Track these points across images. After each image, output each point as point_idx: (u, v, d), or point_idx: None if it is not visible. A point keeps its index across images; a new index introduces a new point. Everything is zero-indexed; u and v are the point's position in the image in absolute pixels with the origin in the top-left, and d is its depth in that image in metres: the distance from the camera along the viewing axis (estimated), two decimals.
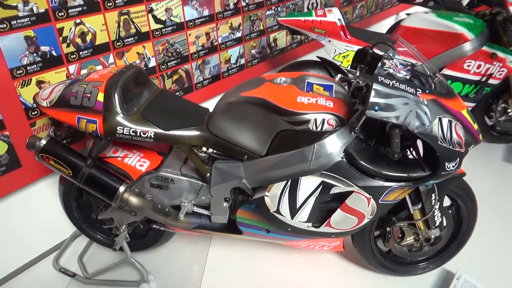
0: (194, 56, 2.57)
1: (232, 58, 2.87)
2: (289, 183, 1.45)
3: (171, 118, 1.56)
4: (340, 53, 2.52)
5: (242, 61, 2.98)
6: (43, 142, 1.52)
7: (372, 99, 1.25)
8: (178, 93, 2.55)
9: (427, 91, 1.33)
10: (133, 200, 1.58)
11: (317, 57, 2.67)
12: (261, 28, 3.02)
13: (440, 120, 1.32)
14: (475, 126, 1.44)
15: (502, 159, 2.69)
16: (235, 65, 2.92)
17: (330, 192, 1.44)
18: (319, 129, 1.37)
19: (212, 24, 2.61)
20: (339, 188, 1.42)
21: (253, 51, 3.04)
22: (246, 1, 2.81)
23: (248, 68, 3.05)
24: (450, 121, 1.34)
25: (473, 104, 2.63)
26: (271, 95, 1.46)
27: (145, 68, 2.30)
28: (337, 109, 1.41)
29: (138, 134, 1.49)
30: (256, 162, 1.50)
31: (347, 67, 2.54)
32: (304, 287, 1.83)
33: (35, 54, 1.76)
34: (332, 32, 2.48)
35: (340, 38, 2.48)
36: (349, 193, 1.44)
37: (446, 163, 1.32)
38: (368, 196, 1.43)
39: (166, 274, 1.97)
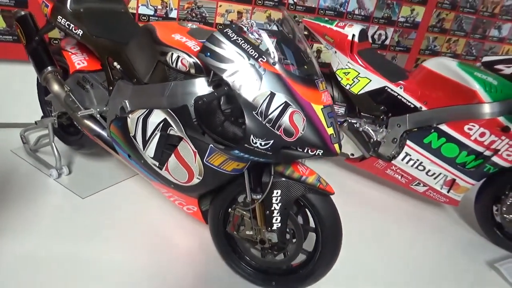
0: (219, 27, 2.77)
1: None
2: (145, 112, 1.53)
3: (104, 29, 1.79)
4: (342, 68, 2.40)
5: None
6: (22, 13, 1.93)
7: (206, 43, 1.26)
8: None
9: (273, 63, 1.26)
10: (54, 83, 1.86)
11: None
12: (305, 33, 3.06)
13: (272, 95, 1.24)
14: (329, 131, 1.29)
15: (490, 259, 2.17)
16: None
17: (168, 132, 1.47)
18: (174, 65, 1.42)
19: (248, 6, 2.78)
20: (173, 130, 1.44)
21: None
22: (294, 1, 2.90)
23: None
24: (287, 104, 1.24)
25: (473, 182, 2.20)
26: (162, 28, 1.56)
27: (164, 16, 2.59)
28: None
29: (70, 28, 1.77)
30: (136, 87, 1.62)
31: (345, 85, 2.42)
32: (158, 237, 1.85)
33: None
34: (339, 44, 2.39)
35: (345, 52, 2.37)
36: (181, 140, 1.44)
37: (252, 137, 1.23)
38: (194, 149, 1.41)
39: (80, 174, 2.21)
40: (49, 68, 1.86)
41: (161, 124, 1.48)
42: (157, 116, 1.49)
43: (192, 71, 1.41)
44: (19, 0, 2.21)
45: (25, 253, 1.61)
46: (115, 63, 1.74)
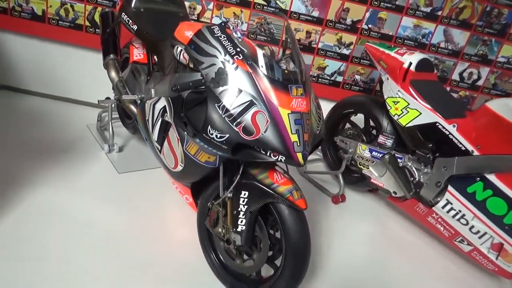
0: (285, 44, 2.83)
1: (328, 69, 2.95)
2: (156, 98, 1.69)
3: (155, 27, 2.03)
4: (392, 97, 2.23)
5: (339, 79, 2.99)
6: (106, 10, 2.33)
7: (194, 37, 1.35)
8: None
9: (248, 62, 1.28)
10: (112, 68, 2.18)
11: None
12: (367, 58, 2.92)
13: (238, 91, 1.26)
14: (293, 138, 1.25)
15: None
16: (328, 77, 2.97)
17: (164, 118, 1.59)
18: (178, 57, 1.55)
19: (317, 27, 2.80)
20: (167, 116, 1.56)
21: (357, 77, 2.99)
22: (369, 26, 2.81)
23: (343, 89, 3.02)
24: (252, 102, 1.25)
25: None
26: (183, 26, 1.69)
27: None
28: None
29: (128, 24, 2.06)
30: (159, 77, 1.80)
31: (394, 115, 2.23)
32: (159, 220, 1.99)
33: None
34: (391, 70, 2.23)
35: (396, 80, 2.20)
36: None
37: (210, 128, 1.26)
38: (177, 136, 1.50)
39: (128, 154, 2.51)
40: (111, 56, 2.19)
41: (161, 110, 1.62)
42: (161, 103, 1.64)
43: (191, 64, 1.52)
44: (115, 1, 2.65)
45: (47, 201, 1.92)
46: (155, 56, 1.97)
